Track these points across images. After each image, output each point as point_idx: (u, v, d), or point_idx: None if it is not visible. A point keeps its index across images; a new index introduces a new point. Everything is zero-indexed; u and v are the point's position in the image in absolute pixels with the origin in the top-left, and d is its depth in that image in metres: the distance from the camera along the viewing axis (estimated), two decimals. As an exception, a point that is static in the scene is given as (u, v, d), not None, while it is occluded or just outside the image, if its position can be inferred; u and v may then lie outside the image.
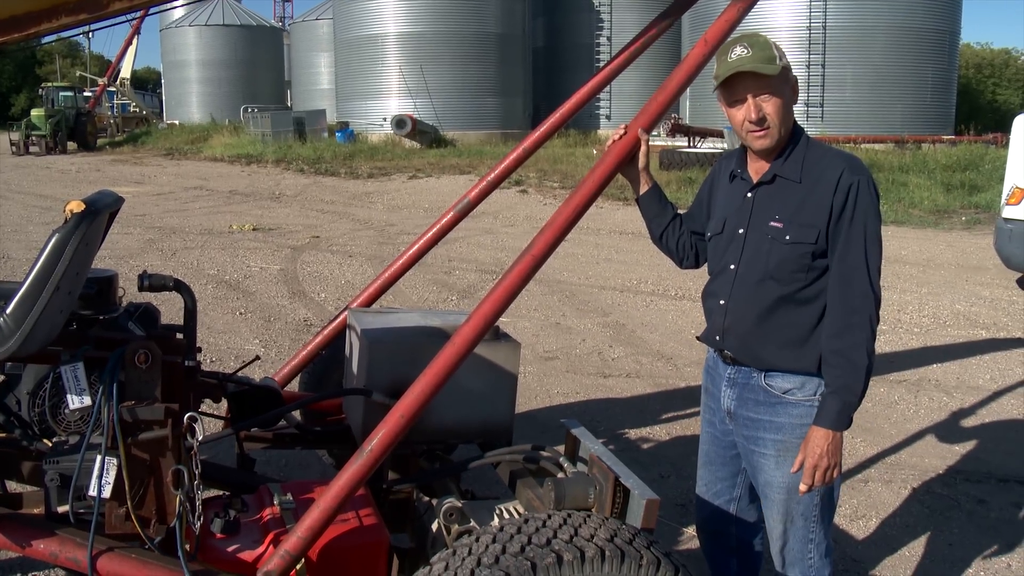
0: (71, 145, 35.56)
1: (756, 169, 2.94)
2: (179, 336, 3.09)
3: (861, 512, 4.75)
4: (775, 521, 2.99)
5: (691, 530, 4.51)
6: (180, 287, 3.08)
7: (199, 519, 2.56)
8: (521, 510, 3.03)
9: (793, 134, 2.87)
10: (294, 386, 4.50)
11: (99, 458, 2.44)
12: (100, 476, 2.43)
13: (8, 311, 2.41)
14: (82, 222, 2.43)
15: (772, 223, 2.86)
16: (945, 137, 27.77)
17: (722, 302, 2.98)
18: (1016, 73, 51.34)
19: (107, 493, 2.44)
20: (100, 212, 2.55)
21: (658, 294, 10.25)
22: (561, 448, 3.25)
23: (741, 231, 2.95)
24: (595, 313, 9.27)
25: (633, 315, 9.21)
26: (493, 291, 2.78)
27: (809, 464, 2.74)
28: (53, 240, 2.40)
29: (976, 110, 37.84)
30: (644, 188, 3.19)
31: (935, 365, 7.54)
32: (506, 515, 2.99)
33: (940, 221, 16.92)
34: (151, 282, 3.03)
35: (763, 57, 2.76)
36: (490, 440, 3.47)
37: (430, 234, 4.27)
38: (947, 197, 18.86)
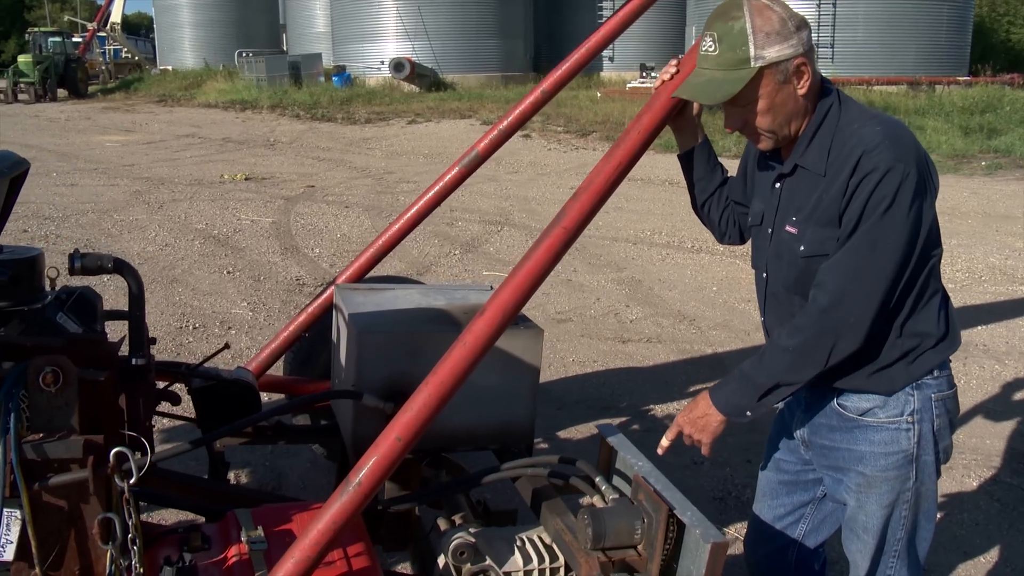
0: (61, 92, 34.55)
1: (787, 151, 2.29)
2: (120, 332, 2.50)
3: (923, 505, 4.19)
4: (855, 556, 2.46)
5: (731, 530, 3.97)
6: (121, 268, 2.46)
7: None
8: (547, 541, 2.45)
9: (818, 109, 2.18)
10: (277, 369, 3.93)
11: (-3, 509, 1.85)
12: None
13: None
14: (-37, 195, 1.80)
15: (788, 227, 2.23)
16: (960, 78, 26.85)
17: (762, 319, 2.45)
18: (1031, 11, 49.89)
19: (9, 555, 1.84)
20: (-6, 179, 1.91)
21: (673, 246, 9.64)
22: (587, 429, 2.68)
23: (769, 230, 2.33)
24: (608, 268, 8.66)
25: (649, 270, 8.60)
26: (514, 275, 2.18)
27: (680, 420, 2.38)
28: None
29: (990, 50, 36.62)
30: (694, 141, 2.56)
31: (979, 327, 6.95)
32: (530, 549, 2.41)
33: (960, 166, 16.21)
34: (84, 263, 2.41)
35: (728, 61, 2.11)
36: (507, 445, 2.90)
37: (431, 194, 3.64)
38: (965, 141, 18.12)
